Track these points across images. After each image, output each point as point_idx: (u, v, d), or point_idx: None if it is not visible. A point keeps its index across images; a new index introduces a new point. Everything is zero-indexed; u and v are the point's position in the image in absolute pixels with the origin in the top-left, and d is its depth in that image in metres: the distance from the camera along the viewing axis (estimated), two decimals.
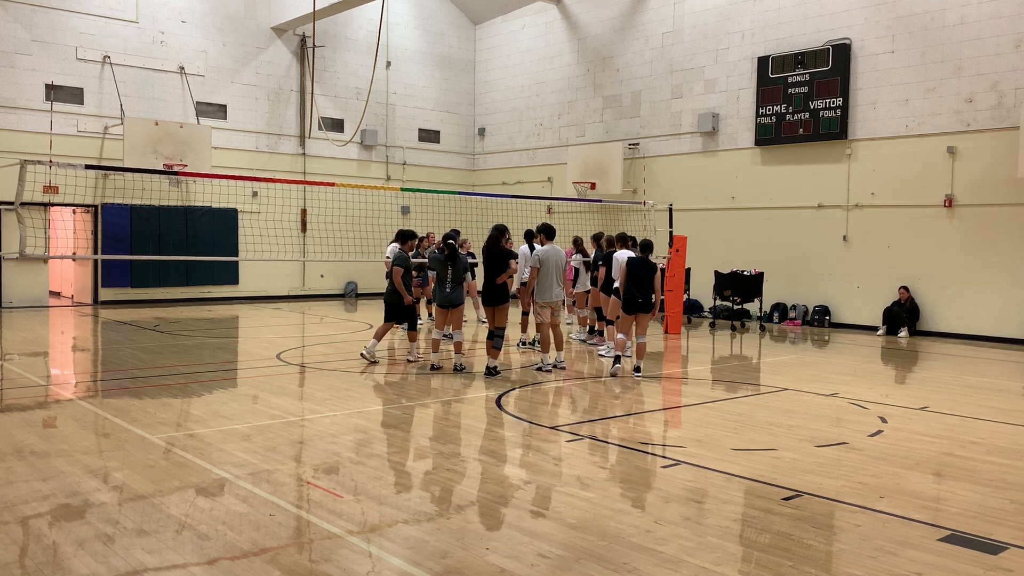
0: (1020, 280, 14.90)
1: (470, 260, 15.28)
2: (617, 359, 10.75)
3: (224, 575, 4.30)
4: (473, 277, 16.12)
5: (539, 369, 10.85)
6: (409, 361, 11.42)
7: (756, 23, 18.56)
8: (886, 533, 4.99)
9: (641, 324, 10.72)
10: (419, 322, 15.24)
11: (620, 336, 10.79)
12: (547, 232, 11.07)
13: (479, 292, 11.97)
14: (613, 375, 10.56)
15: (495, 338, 10.52)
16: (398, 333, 14.10)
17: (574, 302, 14.80)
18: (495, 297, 10.46)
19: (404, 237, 11.41)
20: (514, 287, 12.37)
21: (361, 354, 11.47)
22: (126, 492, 5.64)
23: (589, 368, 11.39)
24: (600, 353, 12.36)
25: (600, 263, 12.66)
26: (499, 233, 10.53)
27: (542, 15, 23.60)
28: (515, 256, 10.68)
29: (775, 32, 18.19)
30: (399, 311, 11.28)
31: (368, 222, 20.59)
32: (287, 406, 8.56)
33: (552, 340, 11.20)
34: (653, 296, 10.60)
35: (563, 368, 11.05)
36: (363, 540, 4.82)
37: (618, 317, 12.05)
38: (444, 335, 10.93)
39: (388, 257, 12.35)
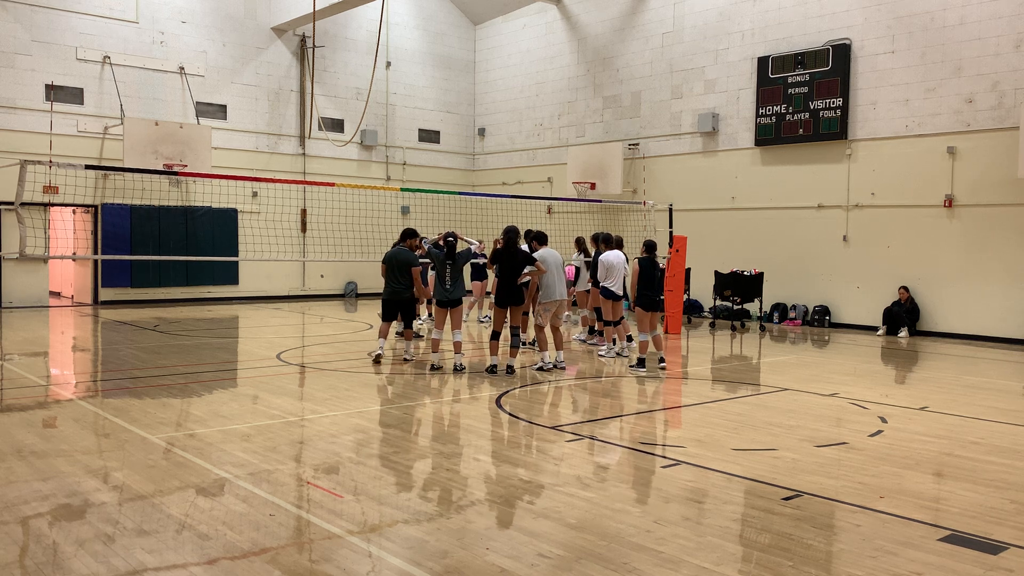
0: (1020, 280, 14.89)
1: (480, 261, 15.26)
2: (641, 362, 10.94)
3: (224, 575, 4.30)
4: (484, 278, 16.09)
5: (539, 369, 10.86)
6: (405, 360, 11.41)
7: (756, 23, 18.56)
8: (886, 533, 4.99)
9: (653, 320, 11.20)
10: (419, 321, 15.23)
11: (644, 338, 11.11)
12: (539, 239, 11.47)
13: (488, 292, 12.03)
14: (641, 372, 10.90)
15: (513, 336, 10.66)
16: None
17: (575, 302, 14.80)
18: (513, 297, 10.50)
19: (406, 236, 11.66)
20: None
21: (376, 360, 11.36)
22: (126, 492, 5.64)
23: (589, 368, 11.39)
24: (600, 354, 12.35)
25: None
26: (516, 235, 10.61)
27: (542, 15, 23.59)
28: (533, 260, 10.70)
29: (775, 32, 18.19)
30: (395, 308, 11.28)
31: (368, 222, 20.58)
32: (287, 406, 8.56)
33: (552, 340, 11.26)
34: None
35: (563, 368, 11.06)
36: (363, 540, 4.82)
37: (623, 318, 12.21)
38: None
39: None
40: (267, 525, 5.02)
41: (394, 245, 11.89)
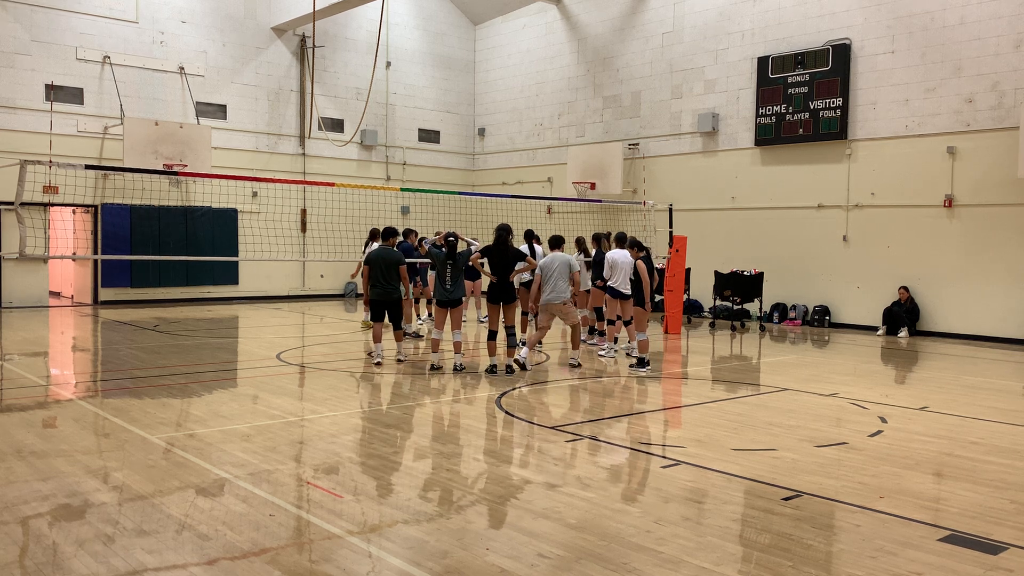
0: (1020, 280, 14.89)
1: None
2: (642, 362, 10.96)
3: (224, 575, 4.30)
4: (477, 277, 16.09)
5: (515, 365, 10.63)
6: (399, 361, 11.39)
7: (756, 23, 18.56)
8: (886, 533, 4.99)
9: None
10: (419, 321, 15.23)
11: (643, 337, 11.09)
12: (552, 242, 11.46)
13: (483, 292, 12.05)
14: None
15: (509, 336, 10.70)
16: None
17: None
18: (505, 294, 10.51)
19: (387, 234, 11.60)
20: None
21: (376, 363, 11.32)
22: (126, 492, 5.64)
23: (589, 368, 11.39)
24: (600, 354, 12.35)
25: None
26: (507, 233, 10.61)
27: (542, 15, 23.59)
28: (524, 256, 10.72)
29: (775, 32, 18.19)
30: (385, 309, 11.25)
31: (368, 222, 20.51)
32: (287, 406, 8.56)
33: (570, 338, 11.41)
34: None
35: (576, 366, 11.13)
36: (363, 540, 4.82)
37: (629, 317, 12.19)
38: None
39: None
40: (267, 525, 5.02)
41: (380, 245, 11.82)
